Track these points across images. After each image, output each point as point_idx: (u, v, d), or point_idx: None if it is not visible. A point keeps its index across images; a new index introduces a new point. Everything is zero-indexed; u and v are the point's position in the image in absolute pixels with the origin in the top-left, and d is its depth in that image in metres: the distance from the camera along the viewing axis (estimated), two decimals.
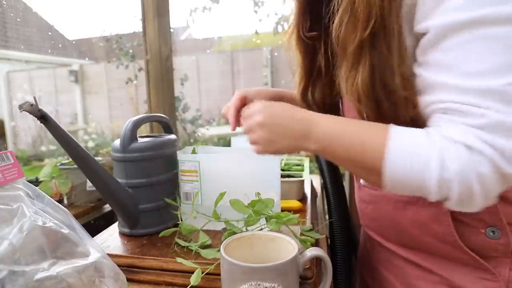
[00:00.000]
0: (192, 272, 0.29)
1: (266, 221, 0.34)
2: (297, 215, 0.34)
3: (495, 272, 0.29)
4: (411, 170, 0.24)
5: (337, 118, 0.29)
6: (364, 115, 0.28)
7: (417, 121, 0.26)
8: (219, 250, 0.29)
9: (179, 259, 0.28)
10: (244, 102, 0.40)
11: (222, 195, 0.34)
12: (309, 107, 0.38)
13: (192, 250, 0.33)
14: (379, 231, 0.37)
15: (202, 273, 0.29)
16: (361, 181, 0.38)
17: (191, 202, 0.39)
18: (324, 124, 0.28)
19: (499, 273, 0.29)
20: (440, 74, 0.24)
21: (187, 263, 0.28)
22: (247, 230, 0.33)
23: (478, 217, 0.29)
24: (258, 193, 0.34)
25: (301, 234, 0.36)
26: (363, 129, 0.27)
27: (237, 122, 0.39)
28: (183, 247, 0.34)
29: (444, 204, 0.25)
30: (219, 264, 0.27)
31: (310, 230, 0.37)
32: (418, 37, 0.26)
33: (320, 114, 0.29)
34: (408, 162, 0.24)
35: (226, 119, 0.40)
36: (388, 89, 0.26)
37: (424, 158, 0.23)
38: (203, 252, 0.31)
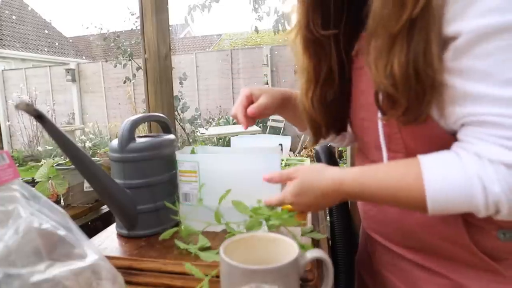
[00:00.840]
0: (192, 275, 0.28)
1: (266, 222, 0.33)
2: (295, 212, 0.34)
3: (506, 274, 0.29)
4: (456, 201, 0.24)
5: (365, 176, 0.29)
6: (385, 104, 0.27)
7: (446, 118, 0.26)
8: (218, 253, 0.29)
9: (187, 266, 0.28)
10: (250, 100, 0.40)
11: (228, 191, 0.34)
12: (312, 108, 0.37)
13: (192, 252, 0.32)
14: (384, 234, 0.37)
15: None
16: None
17: (192, 203, 0.38)
18: (353, 185, 0.29)
19: (510, 275, 0.29)
20: (474, 83, 0.23)
21: (196, 273, 0.27)
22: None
23: (488, 219, 0.28)
24: (260, 200, 0.34)
25: (302, 235, 0.36)
26: (393, 171, 0.27)
27: (248, 120, 0.39)
28: (182, 249, 0.33)
29: (496, 217, 0.25)
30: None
31: (311, 231, 0.37)
32: (446, 40, 0.24)
33: (346, 180, 0.29)
34: (450, 196, 0.24)
35: (237, 120, 0.40)
36: (419, 72, 0.25)
37: (465, 188, 0.23)
38: (202, 255, 0.30)
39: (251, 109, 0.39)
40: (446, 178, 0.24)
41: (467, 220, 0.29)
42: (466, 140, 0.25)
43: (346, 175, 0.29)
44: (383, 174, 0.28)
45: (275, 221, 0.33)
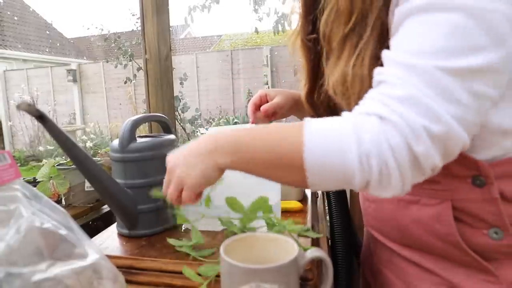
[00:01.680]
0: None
1: (267, 226, 0.33)
2: (301, 226, 0.34)
3: (497, 274, 0.29)
4: (331, 152, 0.23)
5: (247, 129, 0.28)
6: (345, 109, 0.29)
7: None
8: (213, 252, 0.29)
9: (185, 270, 0.28)
10: (265, 99, 0.43)
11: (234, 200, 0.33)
12: (314, 109, 0.39)
13: (186, 249, 0.32)
14: (382, 231, 0.37)
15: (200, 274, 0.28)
16: None
17: (197, 204, 0.38)
18: (229, 134, 0.27)
19: (501, 275, 0.29)
20: (389, 51, 0.25)
21: (195, 277, 0.27)
22: (245, 229, 0.33)
23: (481, 218, 0.29)
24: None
25: (299, 235, 0.36)
26: (276, 129, 0.26)
27: (256, 116, 0.42)
28: (177, 247, 0.33)
29: (367, 190, 0.24)
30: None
31: (308, 230, 0.37)
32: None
33: (223, 133, 0.28)
34: (326, 145, 0.23)
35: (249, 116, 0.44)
36: (360, 81, 0.27)
37: (340, 136, 0.23)
38: (202, 270, 0.29)
39: (265, 106, 0.42)
40: (325, 128, 0.24)
41: (459, 219, 0.29)
42: (360, 103, 0.25)
43: (224, 132, 0.27)
44: (264, 128, 0.27)
45: (279, 228, 0.32)
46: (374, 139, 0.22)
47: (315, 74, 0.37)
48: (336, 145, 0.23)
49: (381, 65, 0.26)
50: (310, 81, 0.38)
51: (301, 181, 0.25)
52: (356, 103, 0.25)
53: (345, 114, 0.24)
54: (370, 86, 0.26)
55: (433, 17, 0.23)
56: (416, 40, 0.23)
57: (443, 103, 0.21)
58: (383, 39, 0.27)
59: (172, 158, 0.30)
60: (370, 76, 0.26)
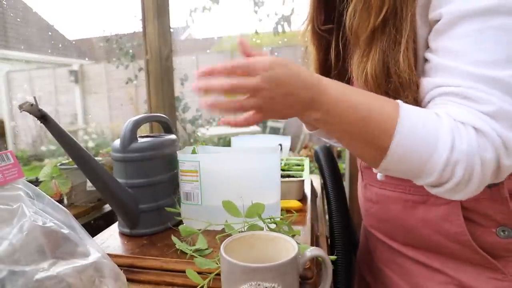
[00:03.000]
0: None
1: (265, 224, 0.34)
2: (298, 232, 0.34)
3: (506, 272, 0.29)
4: (419, 148, 0.23)
5: (346, 87, 0.26)
6: None
7: (419, 104, 0.27)
8: (213, 260, 0.29)
9: (188, 272, 0.28)
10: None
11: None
12: None
13: (189, 250, 0.32)
14: (385, 231, 0.37)
15: (200, 273, 0.29)
16: (379, 177, 0.34)
17: (193, 202, 0.39)
18: (332, 93, 0.25)
19: (509, 272, 0.29)
20: (450, 59, 0.24)
21: (196, 279, 0.27)
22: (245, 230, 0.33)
23: (489, 216, 0.29)
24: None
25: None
26: (372, 102, 0.25)
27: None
28: (178, 246, 0.34)
29: (432, 189, 0.24)
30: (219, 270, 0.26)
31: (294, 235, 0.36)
32: (432, 25, 0.26)
33: (328, 79, 0.26)
34: (418, 140, 0.23)
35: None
36: (395, 73, 0.26)
37: (434, 137, 0.23)
38: (197, 261, 0.30)
39: None
40: (420, 122, 0.24)
41: (468, 218, 0.29)
42: (440, 107, 0.25)
43: (328, 84, 0.25)
44: (364, 93, 0.26)
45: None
46: (469, 150, 0.22)
47: (328, 65, 0.37)
48: (427, 143, 0.23)
49: (415, 59, 0.25)
50: (321, 72, 0.37)
51: (376, 160, 0.25)
52: (393, 97, 0.25)
53: (440, 113, 0.24)
54: (406, 80, 0.25)
55: (495, 22, 0.22)
56: (487, 49, 0.22)
57: None
58: (415, 34, 0.26)
59: (265, 75, 0.23)
60: (410, 70, 0.25)
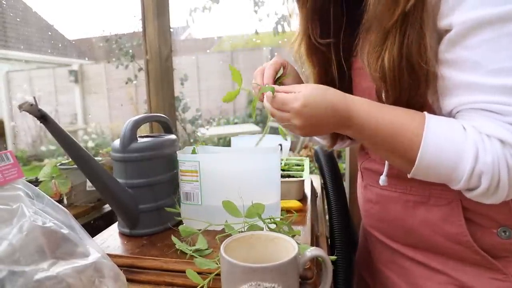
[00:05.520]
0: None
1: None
2: (298, 233, 0.34)
3: (506, 272, 0.29)
4: (445, 159, 0.24)
5: (372, 106, 0.28)
6: (383, 96, 0.28)
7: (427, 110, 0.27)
8: (213, 260, 0.29)
9: (189, 272, 0.28)
10: (284, 67, 0.37)
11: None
12: None
13: (189, 250, 0.32)
14: (385, 231, 0.37)
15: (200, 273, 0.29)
16: (381, 181, 0.35)
17: (193, 202, 0.39)
18: (360, 114, 0.28)
19: (510, 273, 0.29)
20: (466, 73, 0.24)
21: (196, 279, 0.28)
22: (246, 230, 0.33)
23: (490, 217, 0.29)
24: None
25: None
26: (399, 116, 0.27)
27: (269, 81, 0.34)
28: (177, 246, 0.33)
29: (466, 193, 0.25)
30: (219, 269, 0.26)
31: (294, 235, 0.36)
32: (440, 33, 0.26)
33: (357, 99, 0.28)
34: (443, 153, 0.24)
35: (256, 81, 0.35)
36: (412, 65, 0.26)
37: (459, 149, 0.24)
38: (197, 261, 0.30)
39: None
40: (446, 135, 0.25)
41: (469, 218, 0.29)
42: (465, 119, 0.25)
43: (355, 96, 0.29)
44: (390, 108, 0.28)
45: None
46: (494, 161, 0.23)
47: (325, 78, 0.36)
48: (452, 156, 0.24)
49: (433, 53, 0.24)
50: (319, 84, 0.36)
51: (405, 169, 0.27)
52: (405, 96, 0.26)
53: (466, 126, 0.25)
54: (434, 71, 0.25)
55: (509, 30, 0.22)
56: (503, 57, 0.23)
57: None
58: (434, 28, 0.25)
59: (302, 102, 0.28)
60: (435, 59, 0.25)
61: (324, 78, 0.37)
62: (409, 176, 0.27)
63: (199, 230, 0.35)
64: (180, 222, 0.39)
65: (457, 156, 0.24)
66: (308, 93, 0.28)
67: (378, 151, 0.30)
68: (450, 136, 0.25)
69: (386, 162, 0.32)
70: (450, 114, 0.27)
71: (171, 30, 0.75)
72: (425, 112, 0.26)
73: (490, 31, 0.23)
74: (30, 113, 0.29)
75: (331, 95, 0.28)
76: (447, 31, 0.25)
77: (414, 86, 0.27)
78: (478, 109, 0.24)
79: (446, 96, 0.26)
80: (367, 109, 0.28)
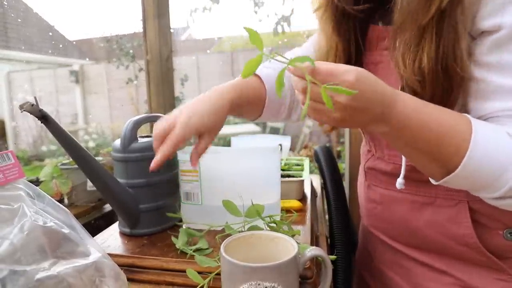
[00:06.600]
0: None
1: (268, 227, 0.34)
2: (297, 232, 0.33)
3: (511, 273, 0.29)
4: (489, 168, 0.22)
5: (418, 102, 0.24)
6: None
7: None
8: (214, 259, 0.29)
9: (189, 271, 0.28)
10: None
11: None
12: None
13: (188, 253, 0.32)
14: (388, 232, 0.36)
15: (200, 272, 0.29)
16: (398, 185, 0.31)
17: (193, 202, 0.39)
18: (404, 109, 0.23)
19: None
20: (509, 78, 0.23)
21: (197, 278, 0.28)
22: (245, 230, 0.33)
23: (496, 218, 0.28)
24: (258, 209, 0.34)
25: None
26: (444, 119, 0.24)
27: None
28: (178, 249, 0.34)
29: (494, 201, 0.24)
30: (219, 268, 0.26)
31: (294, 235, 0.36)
32: (479, 34, 0.24)
33: (403, 94, 0.24)
34: (490, 160, 0.22)
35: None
36: (447, 69, 0.24)
37: (505, 159, 0.22)
38: (198, 258, 0.30)
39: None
40: (493, 138, 0.23)
41: (475, 220, 0.29)
42: (503, 125, 0.24)
43: (401, 92, 0.24)
44: (436, 108, 0.24)
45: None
46: None
47: (350, 55, 0.32)
48: (498, 164, 0.22)
49: (467, 57, 0.22)
50: (342, 56, 0.32)
51: (438, 175, 0.24)
52: (437, 100, 0.23)
53: (510, 132, 0.23)
54: (468, 75, 0.23)
55: None
56: None
57: None
58: (467, 31, 0.23)
59: (355, 75, 0.22)
60: (468, 62, 0.23)
61: (348, 53, 0.32)
62: (436, 183, 0.25)
63: (200, 231, 0.35)
64: (180, 221, 0.40)
65: (502, 165, 0.22)
66: (360, 69, 0.22)
67: (414, 154, 0.25)
68: (496, 143, 0.23)
69: (403, 164, 0.29)
70: (480, 119, 0.25)
71: (172, 30, 0.75)
72: (468, 116, 0.24)
73: None
74: (31, 113, 0.29)
75: (381, 82, 0.23)
76: (490, 32, 0.23)
77: (448, 91, 0.25)
78: None
79: (482, 100, 0.25)
80: (414, 103, 0.24)
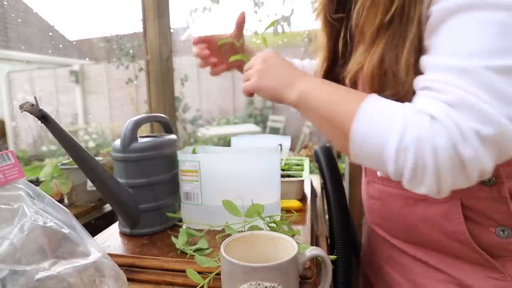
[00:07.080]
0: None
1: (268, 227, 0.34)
2: (298, 232, 0.34)
3: (504, 271, 0.29)
4: (375, 133, 0.24)
5: (323, 81, 0.30)
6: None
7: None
8: (214, 259, 0.29)
9: (189, 271, 0.28)
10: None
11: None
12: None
13: (188, 253, 0.33)
14: (386, 228, 0.37)
15: (200, 272, 0.29)
16: (379, 174, 0.36)
17: (193, 202, 0.39)
18: (310, 80, 0.30)
19: (507, 272, 0.29)
20: (434, 56, 0.24)
21: (196, 278, 0.28)
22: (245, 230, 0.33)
23: (488, 216, 0.29)
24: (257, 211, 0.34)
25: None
26: (344, 91, 0.28)
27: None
28: (178, 249, 0.34)
29: (402, 181, 0.24)
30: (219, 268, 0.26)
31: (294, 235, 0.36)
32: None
33: (310, 74, 0.31)
34: (374, 126, 0.24)
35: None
36: (392, 73, 0.27)
37: (388, 124, 0.24)
38: (198, 259, 0.30)
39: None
40: (383, 106, 0.25)
41: (468, 216, 0.29)
42: (414, 98, 0.25)
43: (308, 75, 0.31)
44: (338, 86, 0.29)
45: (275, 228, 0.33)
46: (419, 137, 0.22)
47: (334, 52, 0.38)
48: (380, 131, 0.24)
49: (419, 58, 0.25)
50: (329, 60, 0.38)
51: (345, 147, 0.26)
52: (388, 96, 0.25)
53: (407, 104, 0.24)
54: (403, 80, 0.26)
55: (477, 16, 0.22)
56: (462, 42, 0.22)
57: (498, 105, 0.21)
58: (420, 32, 0.26)
59: (267, 53, 0.34)
60: (406, 70, 0.26)
61: (333, 52, 0.38)
62: (350, 160, 0.27)
63: (200, 231, 0.35)
64: (180, 221, 0.40)
65: (387, 130, 0.23)
66: (268, 51, 0.34)
67: (319, 122, 0.29)
68: (385, 110, 0.24)
69: None
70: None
71: (172, 30, 0.75)
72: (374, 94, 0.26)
73: (457, 18, 0.23)
74: (31, 113, 0.29)
75: (286, 60, 0.33)
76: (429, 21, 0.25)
77: (394, 94, 0.27)
78: (422, 87, 0.24)
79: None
80: (320, 79, 0.30)
